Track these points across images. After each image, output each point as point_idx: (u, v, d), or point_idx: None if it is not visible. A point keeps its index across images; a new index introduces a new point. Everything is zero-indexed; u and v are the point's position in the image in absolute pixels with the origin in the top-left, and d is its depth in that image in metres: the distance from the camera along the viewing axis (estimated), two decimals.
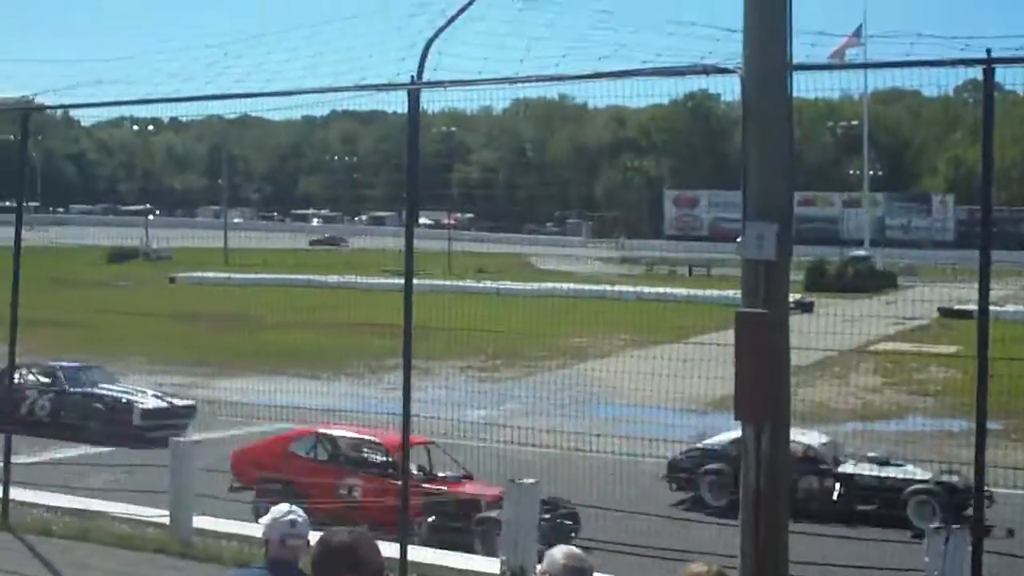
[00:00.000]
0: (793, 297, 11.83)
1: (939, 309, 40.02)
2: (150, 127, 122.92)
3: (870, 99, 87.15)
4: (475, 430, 23.55)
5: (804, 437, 21.87)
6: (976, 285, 10.02)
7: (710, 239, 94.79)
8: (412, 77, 12.25)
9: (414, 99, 12.63)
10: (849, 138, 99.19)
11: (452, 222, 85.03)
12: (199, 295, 52.26)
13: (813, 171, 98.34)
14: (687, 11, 10.31)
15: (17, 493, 16.13)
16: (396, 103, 13.10)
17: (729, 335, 9.28)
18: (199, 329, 41.73)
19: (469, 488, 18.70)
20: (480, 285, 50.48)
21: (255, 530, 5.27)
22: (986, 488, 11.13)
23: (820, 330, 26.66)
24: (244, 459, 20.03)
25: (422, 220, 64.15)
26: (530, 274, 66.90)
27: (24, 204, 17.52)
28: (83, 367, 29.05)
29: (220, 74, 13.42)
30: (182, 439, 17.51)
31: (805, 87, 9.92)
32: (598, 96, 13.12)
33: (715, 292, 39.94)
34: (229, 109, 19.29)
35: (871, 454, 21.90)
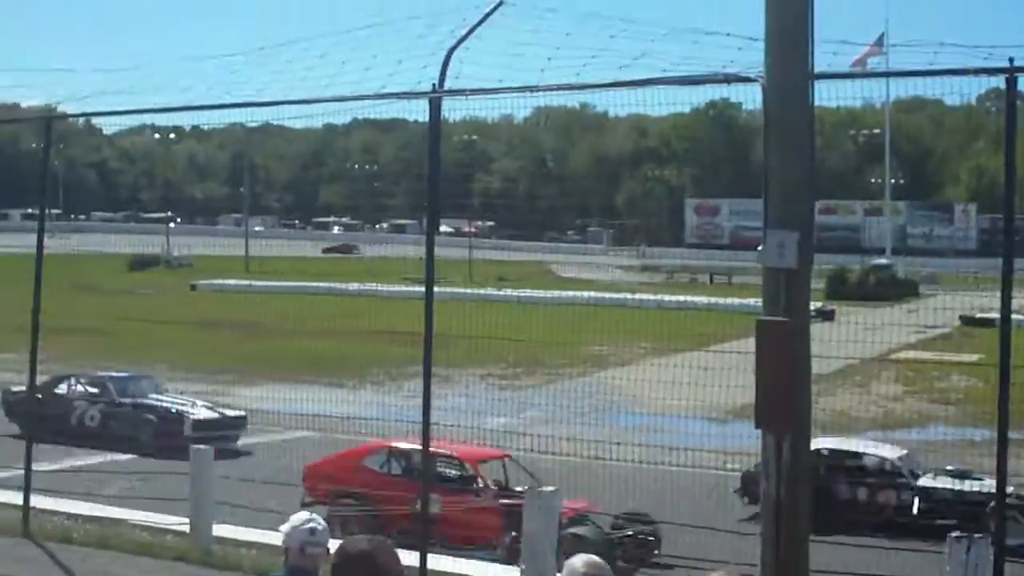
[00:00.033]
0: (814, 305, 11.79)
1: (961, 317, 39.85)
2: (172, 135, 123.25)
3: (892, 107, 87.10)
4: (495, 438, 23.47)
5: (881, 450, 21.63)
6: (998, 293, 10.00)
7: (731, 247, 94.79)
8: (433, 85, 12.25)
9: (435, 107, 12.63)
10: (871, 146, 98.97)
11: (473, 230, 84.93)
12: (220, 303, 52.33)
13: (835, 179, 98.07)
14: (709, 20, 10.31)
15: (37, 500, 16.14)
16: (417, 111, 13.11)
17: (750, 343, 9.25)
18: (221, 337, 41.80)
19: None
20: (501, 293, 50.49)
21: (276, 538, 5.27)
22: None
23: (841, 338, 26.58)
24: (316, 474, 19.50)
25: (443, 228, 64.27)
26: (551, 282, 66.87)
27: (46, 212, 17.51)
28: (132, 377, 28.51)
29: (242, 82, 13.48)
30: (204, 447, 17.39)
31: (827, 96, 9.94)
32: (619, 105, 13.08)
33: (736, 300, 39.85)
34: (251, 117, 19.33)
35: (949, 467, 21.29)
